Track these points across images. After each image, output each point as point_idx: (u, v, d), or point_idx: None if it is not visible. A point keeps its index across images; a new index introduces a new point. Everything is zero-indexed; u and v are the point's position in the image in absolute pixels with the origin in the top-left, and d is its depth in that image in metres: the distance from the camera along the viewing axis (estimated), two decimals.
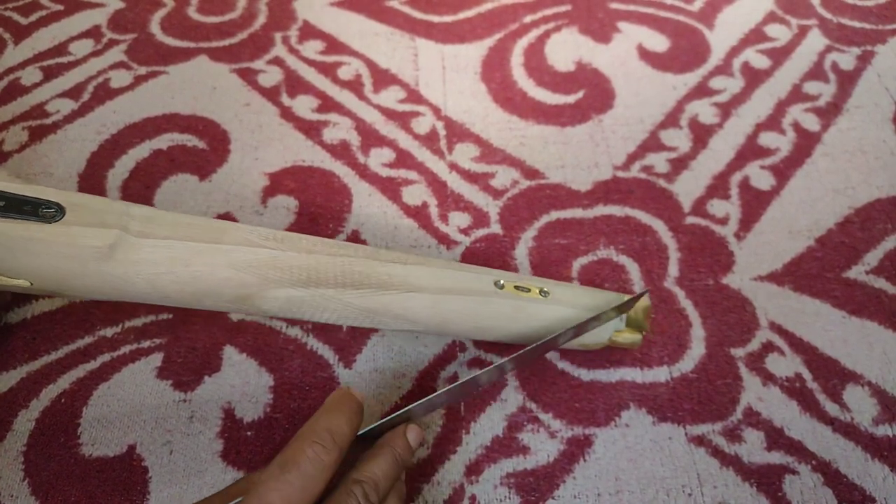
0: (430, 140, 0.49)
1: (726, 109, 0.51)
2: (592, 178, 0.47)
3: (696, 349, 0.39)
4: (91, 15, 0.60)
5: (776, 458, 0.35)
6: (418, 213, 0.45)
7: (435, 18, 0.59)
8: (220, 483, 0.34)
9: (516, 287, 0.34)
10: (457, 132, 0.50)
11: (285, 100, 0.52)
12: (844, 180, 0.46)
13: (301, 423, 0.31)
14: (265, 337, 0.40)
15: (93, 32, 0.58)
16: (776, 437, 0.35)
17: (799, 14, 0.58)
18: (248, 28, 0.58)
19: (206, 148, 0.49)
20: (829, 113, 0.50)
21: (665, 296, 0.41)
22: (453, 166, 0.48)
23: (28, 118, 0.51)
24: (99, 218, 0.29)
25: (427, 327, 0.34)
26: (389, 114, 0.51)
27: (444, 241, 0.44)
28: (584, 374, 0.38)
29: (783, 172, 0.47)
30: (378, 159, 0.48)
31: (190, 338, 0.40)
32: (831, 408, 0.36)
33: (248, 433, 0.36)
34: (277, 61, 0.55)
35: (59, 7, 0.61)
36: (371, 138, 0.50)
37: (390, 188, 0.47)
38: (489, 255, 0.43)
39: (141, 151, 0.49)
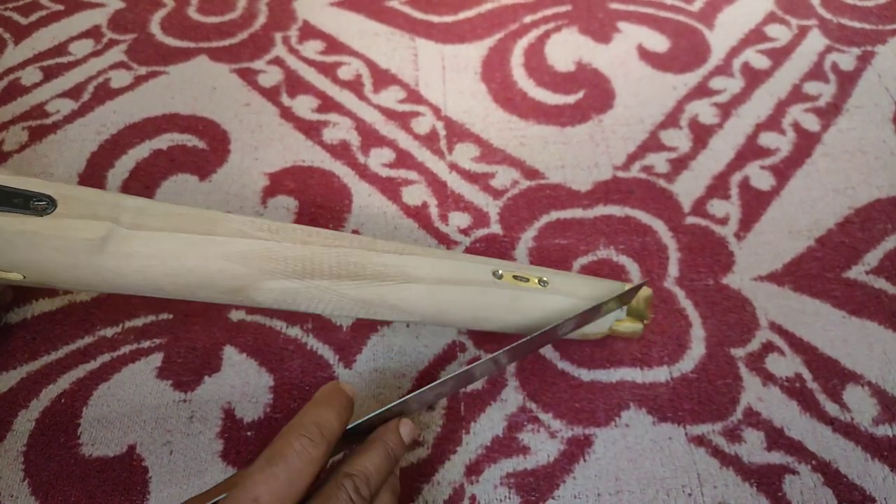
0: (430, 140, 0.49)
1: (726, 109, 0.51)
2: (592, 178, 0.47)
3: (696, 349, 0.39)
4: (91, 15, 0.60)
5: (776, 458, 0.35)
6: (418, 214, 0.45)
7: (435, 18, 0.59)
8: None
9: (515, 277, 0.34)
10: (457, 132, 0.50)
11: (285, 100, 0.52)
12: (844, 180, 0.46)
13: None
14: (265, 337, 0.40)
15: (93, 32, 0.58)
16: (776, 437, 0.35)
17: (799, 14, 0.58)
18: (248, 28, 0.58)
19: (206, 148, 0.49)
20: (829, 113, 0.50)
21: (665, 296, 0.41)
22: (453, 166, 0.48)
23: (28, 118, 0.51)
24: (91, 210, 0.29)
25: (424, 318, 0.34)
26: (389, 114, 0.51)
27: (444, 241, 0.44)
28: (584, 374, 0.38)
29: (783, 172, 0.47)
30: (378, 159, 0.48)
31: (190, 338, 0.40)
32: (831, 408, 0.36)
33: (248, 433, 0.36)
34: (277, 61, 0.55)
35: (59, 7, 0.61)
36: (371, 138, 0.50)
37: (390, 188, 0.47)
38: (489, 255, 0.43)
39: (141, 151, 0.49)
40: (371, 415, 0.29)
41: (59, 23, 0.59)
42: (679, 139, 0.49)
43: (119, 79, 0.54)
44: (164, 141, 0.50)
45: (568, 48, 0.56)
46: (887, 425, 0.36)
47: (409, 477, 0.35)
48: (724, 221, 0.44)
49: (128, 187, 0.47)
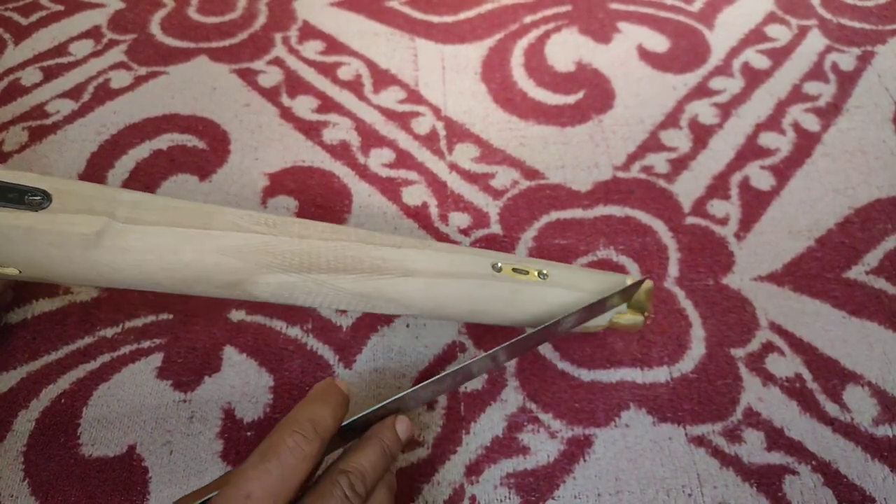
0: (430, 140, 0.49)
1: (726, 110, 0.51)
2: (592, 179, 0.47)
3: (696, 349, 0.39)
4: (91, 15, 0.60)
5: (776, 458, 0.35)
6: (418, 214, 0.45)
7: (435, 19, 0.59)
8: None
9: (514, 269, 0.34)
10: (457, 132, 0.50)
11: (285, 100, 0.52)
12: (844, 180, 0.46)
13: None
14: (265, 337, 0.40)
15: (93, 33, 0.58)
16: (776, 438, 0.35)
17: (799, 14, 0.58)
18: (248, 28, 0.58)
19: (206, 148, 0.49)
20: (829, 113, 0.50)
21: (665, 296, 0.41)
22: (453, 166, 0.48)
23: (28, 118, 0.51)
24: (86, 204, 0.29)
25: (422, 311, 0.34)
26: (389, 114, 0.51)
27: (444, 241, 0.44)
28: (584, 375, 0.38)
29: (783, 173, 0.47)
30: (378, 160, 0.48)
31: (190, 338, 0.40)
32: (831, 408, 0.36)
33: (248, 433, 0.36)
34: (277, 62, 0.55)
35: (59, 7, 0.61)
36: (371, 139, 0.50)
37: (390, 188, 0.47)
38: None
39: (141, 152, 0.49)
40: (367, 411, 0.29)
41: (59, 23, 0.59)
42: (679, 139, 0.49)
43: (119, 79, 0.54)
44: (164, 141, 0.50)
45: (568, 48, 0.56)
46: (887, 425, 0.36)
47: (409, 477, 0.35)
48: (724, 221, 0.44)
49: (128, 187, 0.46)
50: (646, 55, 0.55)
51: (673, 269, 0.42)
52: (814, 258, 0.42)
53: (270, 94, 0.53)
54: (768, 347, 0.39)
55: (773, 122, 0.50)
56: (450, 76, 0.54)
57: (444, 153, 0.49)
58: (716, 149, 0.48)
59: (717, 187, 0.46)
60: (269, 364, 0.39)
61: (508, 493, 0.34)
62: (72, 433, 0.36)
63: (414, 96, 0.53)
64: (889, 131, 0.49)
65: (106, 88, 0.53)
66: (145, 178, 0.47)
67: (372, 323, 0.40)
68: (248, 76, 0.54)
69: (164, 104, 0.52)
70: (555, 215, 0.45)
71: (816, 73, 0.53)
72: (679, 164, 0.48)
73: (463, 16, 0.59)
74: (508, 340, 0.31)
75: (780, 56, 0.55)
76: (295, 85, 0.54)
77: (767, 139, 0.49)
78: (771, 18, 0.58)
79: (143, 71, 0.55)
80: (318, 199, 0.46)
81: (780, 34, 0.56)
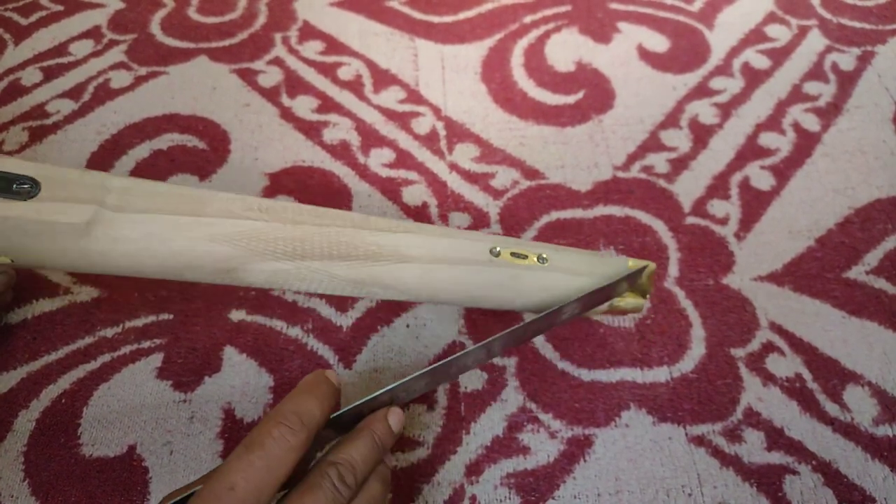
0: (430, 140, 0.49)
1: (726, 110, 0.51)
2: (592, 179, 0.47)
3: (696, 349, 0.39)
4: (91, 15, 0.60)
5: (776, 458, 0.35)
6: (418, 214, 0.45)
7: (435, 19, 0.59)
8: None
9: (513, 254, 0.33)
10: (457, 132, 0.50)
11: (285, 100, 0.52)
12: (844, 180, 0.46)
13: None
14: (265, 337, 0.40)
15: (93, 33, 0.58)
16: (776, 438, 0.35)
17: (799, 14, 0.58)
18: (248, 28, 0.58)
19: (206, 148, 0.49)
20: (829, 113, 0.50)
21: (665, 296, 0.41)
22: (453, 166, 0.48)
23: (28, 118, 0.51)
24: (75, 192, 0.29)
25: (419, 297, 0.33)
26: (389, 114, 0.51)
27: None
28: (584, 374, 0.38)
29: (783, 172, 0.47)
30: (378, 159, 0.48)
31: (190, 338, 0.40)
32: (831, 408, 0.36)
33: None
34: (277, 61, 0.55)
35: (59, 7, 0.61)
36: (371, 138, 0.50)
37: (390, 188, 0.47)
38: None
39: (141, 152, 0.49)
40: (358, 402, 0.29)
41: (59, 23, 0.59)
42: (679, 139, 0.49)
43: (119, 79, 0.54)
44: (164, 141, 0.50)
45: (568, 48, 0.56)
46: (887, 425, 0.36)
47: (409, 477, 0.35)
48: (724, 221, 0.44)
49: None
50: (646, 55, 0.55)
51: (673, 269, 0.42)
52: (814, 258, 0.42)
53: (270, 94, 0.53)
54: (768, 347, 0.39)
55: (773, 122, 0.50)
56: (450, 76, 0.54)
57: (445, 153, 0.49)
58: (716, 149, 0.48)
59: (717, 187, 0.46)
60: (269, 364, 0.39)
61: (508, 493, 0.34)
62: (72, 433, 0.36)
63: (414, 96, 0.53)
64: (889, 131, 0.49)
65: (106, 88, 0.53)
66: (145, 178, 0.47)
67: (372, 323, 0.40)
68: (248, 76, 0.54)
69: (164, 104, 0.52)
70: (555, 215, 0.45)
71: (816, 73, 0.53)
72: (679, 164, 0.48)
73: (463, 16, 0.59)
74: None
75: (780, 56, 0.55)
76: (295, 85, 0.54)
77: (767, 139, 0.49)
78: (771, 18, 0.58)
79: (143, 71, 0.55)
80: (318, 198, 0.46)
81: (780, 34, 0.56)
